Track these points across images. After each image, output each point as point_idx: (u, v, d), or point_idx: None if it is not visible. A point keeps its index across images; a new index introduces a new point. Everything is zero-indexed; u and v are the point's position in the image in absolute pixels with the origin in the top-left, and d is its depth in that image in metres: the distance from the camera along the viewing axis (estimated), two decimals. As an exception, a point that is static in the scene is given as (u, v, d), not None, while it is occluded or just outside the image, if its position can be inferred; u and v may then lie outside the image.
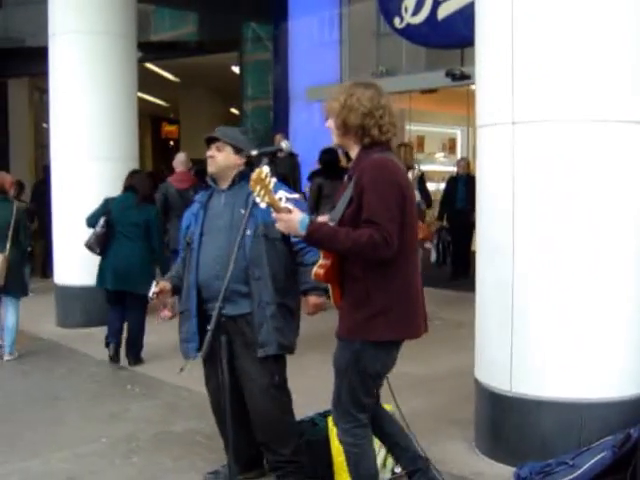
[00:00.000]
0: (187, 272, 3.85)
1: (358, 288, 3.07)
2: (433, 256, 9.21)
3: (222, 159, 3.80)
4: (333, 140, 3.28)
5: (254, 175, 2.87)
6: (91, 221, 6.59)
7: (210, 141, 3.85)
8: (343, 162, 7.64)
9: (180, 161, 8.74)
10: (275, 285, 3.67)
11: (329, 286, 3.19)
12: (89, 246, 6.52)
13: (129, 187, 6.73)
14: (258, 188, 2.87)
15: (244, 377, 3.69)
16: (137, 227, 6.51)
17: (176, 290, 3.94)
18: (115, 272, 6.45)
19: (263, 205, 2.93)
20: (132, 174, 6.98)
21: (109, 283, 6.52)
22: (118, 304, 6.59)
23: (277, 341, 3.68)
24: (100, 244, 6.47)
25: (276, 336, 3.67)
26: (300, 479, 3.85)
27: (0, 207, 6.78)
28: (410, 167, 7.89)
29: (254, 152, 3.57)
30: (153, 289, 3.84)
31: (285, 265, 3.75)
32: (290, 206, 2.96)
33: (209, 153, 3.84)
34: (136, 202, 6.58)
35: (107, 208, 6.60)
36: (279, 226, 3.03)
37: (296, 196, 3.06)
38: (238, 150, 3.80)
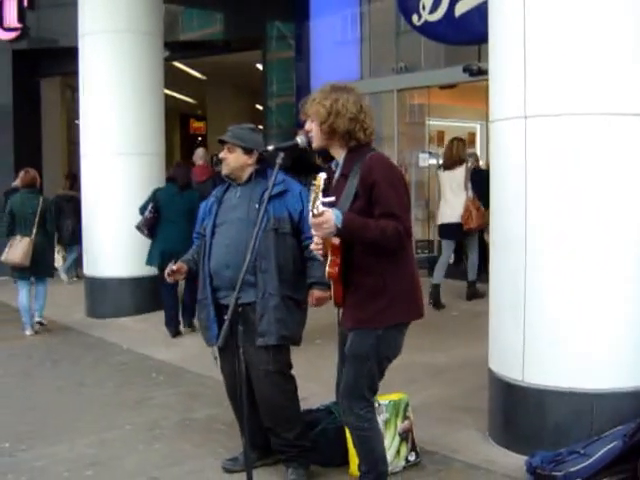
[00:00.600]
0: (202, 262, 3.98)
1: (374, 279, 3.20)
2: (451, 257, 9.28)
3: (232, 160, 3.92)
4: (315, 143, 3.34)
5: (316, 182, 2.94)
6: (142, 209, 7.46)
7: (223, 141, 3.96)
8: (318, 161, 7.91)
9: (199, 156, 9.63)
10: (282, 278, 3.78)
11: (332, 283, 3.25)
12: (138, 227, 7.40)
13: (170, 178, 7.75)
14: (314, 196, 2.95)
15: (249, 363, 3.74)
16: (181, 212, 7.16)
17: (190, 273, 4.08)
18: (162, 253, 7.12)
19: (315, 211, 2.97)
20: (174, 167, 8.15)
21: (156, 262, 7.30)
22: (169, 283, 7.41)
23: (278, 332, 3.77)
24: (147, 226, 7.34)
25: (277, 327, 3.77)
26: (303, 463, 3.93)
27: (28, 199, 7.67)
28: (463, 160, 8.13)
29: (270, 147, 3.69)
30: (171, 267, 4.02)
31: (294, 259, 3.86)
32: (323, 208, 3.01)
33: (221, 155, 3.97)
34: (178, 190, 7.44)
35: (155, 196, 7.44)
36: (317, 232, 3.07)
37: (332, 199, 3.12)
38: (248, 150, 3.91)
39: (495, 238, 4.36)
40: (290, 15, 11.66)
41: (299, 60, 11.62)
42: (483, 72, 8.43)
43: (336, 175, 3.34)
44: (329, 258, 3.17)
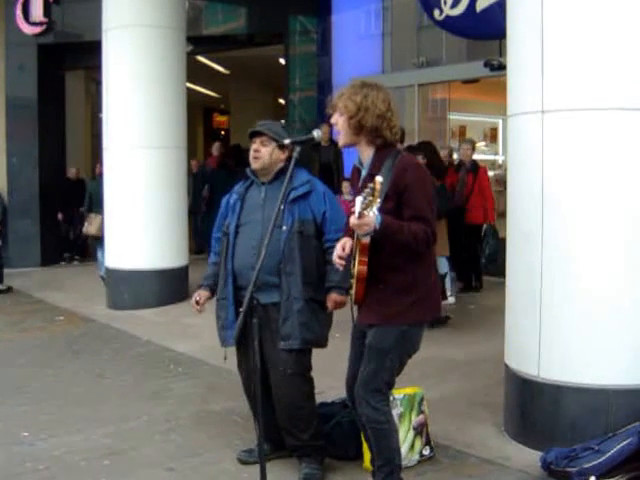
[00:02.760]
0: (224, 260, 3.94)
1: (402, 277, 3.25)
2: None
3: (266, 154, 3.83)
4: (342, 138, 3.34)
5: (375, 185, 2.88)
6: (198, 190, 10.28)
7: (254, 135, 3.88)
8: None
9: (215, 148, 11.65)
10: (306, 280, 3.74)
11: (353, 284, 3.27)
12: (197, 207, 9.89)
13: (221, 164, 9.98)
14: (370, 199, 2.93)
15: (269, 363, 3.76)
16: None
17: (213, 292, 4.06)
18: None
19: (366, 212, 2.93)
20: (223, 155, 10.73)
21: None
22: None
23: (301, 336, 3.75)
24: (205, 203, 9.81)
25: (301, 331, 3.74)
26: (314, 460, 3.91)
27: (101, 185, 9.24)
28: None
29: (286, 141, 3.68)
30: (196, 298, 4.04)
31: (318, 261, 3.82)
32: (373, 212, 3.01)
33: (254, 147, 3.86)
34: (228, 173, 9.10)
35: (209, 179, 9.98)
36: (360, 229, 3.01)
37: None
38: (281, 145, 3.83)
39: (511, 233, 4.34)
40: (313, 10, 11.73)
41: (321, 54, 11.70)
42: (504, 67, 8.37)
43: (363, 174, 3.36)
44: (357, 258, 3.19)
